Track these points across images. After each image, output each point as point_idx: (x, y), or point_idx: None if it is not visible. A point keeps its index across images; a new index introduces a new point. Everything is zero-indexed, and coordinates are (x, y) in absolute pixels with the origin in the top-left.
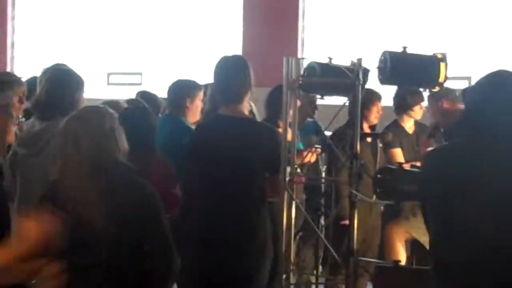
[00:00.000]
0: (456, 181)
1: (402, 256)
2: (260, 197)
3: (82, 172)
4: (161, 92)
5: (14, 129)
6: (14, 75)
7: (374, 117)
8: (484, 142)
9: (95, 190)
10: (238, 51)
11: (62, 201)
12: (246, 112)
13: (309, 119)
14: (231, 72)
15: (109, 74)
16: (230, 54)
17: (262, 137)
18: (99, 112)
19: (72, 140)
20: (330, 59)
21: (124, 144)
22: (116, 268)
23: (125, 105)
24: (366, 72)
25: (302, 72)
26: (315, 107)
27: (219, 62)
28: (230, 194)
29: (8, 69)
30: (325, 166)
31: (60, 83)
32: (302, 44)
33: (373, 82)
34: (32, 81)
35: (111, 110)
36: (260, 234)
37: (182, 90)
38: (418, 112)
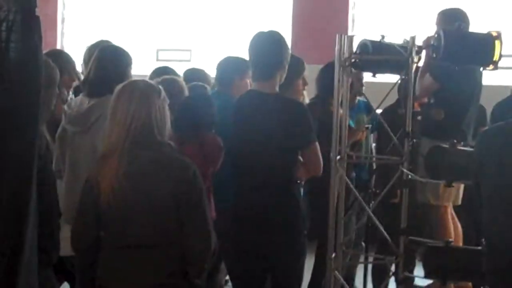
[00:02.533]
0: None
1: (453, 235)
2: (288, 172)
3: (125, 145)
4: (210, 70)
5: (63, 105)
6: (64, 53)
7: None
8: None
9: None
10: (288, 29)
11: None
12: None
13: (359, 98)
14: (263, 48)
15: (158, 51)
16: (276, 30)
17: (289, 113)
18: (154, 88)
19: (120, 113)
20: (383, 36)
21: (168, 123)
22: (160, 247)
23: (182, 82)
24: (419, 49)
25: (354, 50)
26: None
27: (253, 37)
28: (258, 171)
29: (58, 44)
30: (374, 144)
31: (109, 60)
32: (353, 21)
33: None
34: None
35: (161, 90)
36: (288, 209)
37: (231, 67)
38: None
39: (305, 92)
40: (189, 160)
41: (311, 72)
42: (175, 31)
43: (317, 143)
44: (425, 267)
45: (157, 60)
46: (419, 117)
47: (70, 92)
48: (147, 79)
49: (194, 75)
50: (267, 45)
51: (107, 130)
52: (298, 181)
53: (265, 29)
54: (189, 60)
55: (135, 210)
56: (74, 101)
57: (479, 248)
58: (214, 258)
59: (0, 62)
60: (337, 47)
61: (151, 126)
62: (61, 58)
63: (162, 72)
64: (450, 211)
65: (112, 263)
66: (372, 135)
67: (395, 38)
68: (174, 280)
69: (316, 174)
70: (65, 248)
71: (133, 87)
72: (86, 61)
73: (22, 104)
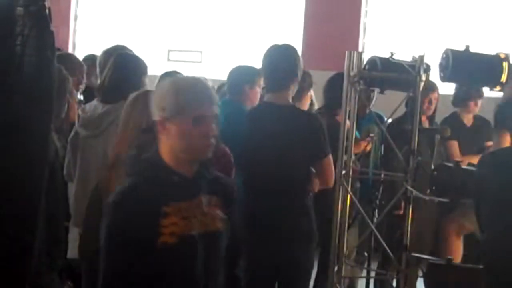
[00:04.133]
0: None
1: (457, 253)
2: (302, 185)
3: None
4: (221, 72)
5: (76, 107)
6: (72, 55)
7: (426, 107)
8: None
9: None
10: (300, 32)
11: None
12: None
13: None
14: (278, 61)
15: (169, 51)
16: (289, 36)
17: (304, 125)
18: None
19: (133, 122)
20: (392, 54)
21: None
22: None
23: None
24: (427, 68)
25: (363, 66)
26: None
27: (269, 50)
28: (271, 183)
29: (70, 42)
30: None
31: (125, 67)
32: (364, 29)
33: (433, 79)
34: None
35: None
36: (303, 222)
37: (242, 76)
38: (473, 107)
39: (313, 98)
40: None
41: (320, 78)
42: (187, 32)
43: (330, 156)
44: (426, 284)
45: (168, 60)
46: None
47: (79, 93)
48: (156, 81)
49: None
50: (282, 57)
51: (118, 137)
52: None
53: (276, 32)
54: (200, 62)
55: None
56: (89, 105)
57: (480, 266)
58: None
59: (14, 75)
60: (346, 63)
61: None
62: (69, 61)
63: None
64: None
65: None
66: (382, 146)
67: (404, 55)
68: None
69: (328, 186)
70: (73, 251)
71: (146, 97)
72: (101, 66)
73: (35, 116)
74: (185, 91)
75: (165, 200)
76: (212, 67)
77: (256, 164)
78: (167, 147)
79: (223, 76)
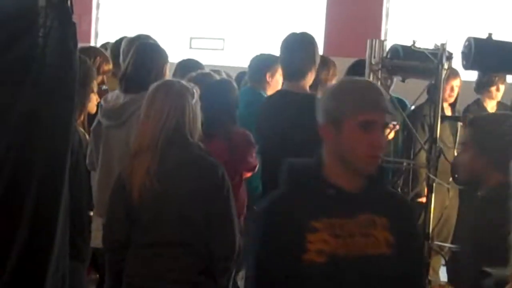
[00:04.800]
0: None
1: None
2: None
3: (156, 145)
4: (243, 59)
5: (95, 98)
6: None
7: (448, 95)
8: None
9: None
10: (322, 18)
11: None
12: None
13: (394, 95)
14: (296, 49)
15: (191, 39)
16: (312, 24)
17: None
18: (188, 89)
19: (154, 111)
20: (414, 42)
21: (199, 124)
22: (188, 246)
23: (217, 77)
24: (449, 56)
25: (384, 54)
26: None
27: (286, 38)
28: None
29: (93, 30)
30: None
31: (147, 57)
32: (387, 15)
33: (456, 66)
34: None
35: (194, 89)
36: None
37: (263, 64)
38: (495, 93)
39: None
40: (217, 161)
41: (342, 64)
42: (209, 19)
43: None
44: (448, 272)
45: (190, 48)
46: None
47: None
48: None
49: (187, 64)
50: (299, 46)
51: (140, 127)
52: None
53: (298, 22)
54: (222, 49)
55: (163, 208)
56: (111, 95)
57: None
58: (239, 259)
59: (37, 67)
60: (367, 52)
61: (183, 126)
62: (93, 54)
63: (185, 65)
64: None
65: (140, 260)
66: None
67: (426, 43)
68: (199, 278)
69: None
70: (96, 240)
71: (168, 87)
72: (124, 55)
73: (57, 107)
74: (354, 92)
75: (315, 214)
76: (234, 55)
77: (272, 151)
78: (328, 156)
79: (245, 64)
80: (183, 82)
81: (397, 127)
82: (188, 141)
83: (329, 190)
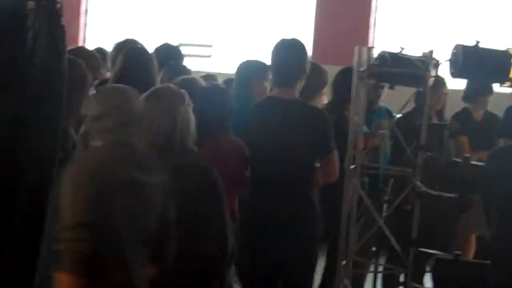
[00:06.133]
0: None
1: (469, 249)
2: (307, 180)
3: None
4: (230, 66)
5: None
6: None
7: (436, 103)
8: None
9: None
10: (311, 26)
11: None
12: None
13: (381, 104)
14: (286, 56)
15: (179, 45)
16: (300, 31)
17: (311, 120)
18: (178, 94)
19: (146, 122)
20: (402, 49)
21: (193, 127)
22: (179, 252)
23: (203, 83)
24: (437, 64)
25: (372, 61)
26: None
27: (277, 44)
28: (276, 177)
29: (81, 35)
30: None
31: (136, 62)
32: (374, 24)
33: (444, 74)
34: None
35: (185, 95)
36: (307, 216)
37: (250, 71)
38: (483, 103)
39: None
40: (211, 166)
41: (330, 73)
42: (197, 26)
43: (336, 152)
44: (433, 279)
45: None
46: None
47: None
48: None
49: (167, 51)
50: (290, 52)
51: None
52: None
53: (287, 26)
54: (209, 56)
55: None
56: None
57: (488, 262)
58: (232, 261)
59: (25, 68)
60: (355, 59)
61: (175, 134)
62: (84, 55)
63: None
64: None
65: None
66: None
67: (414, 50)
68: (192, 280)
69: (331, 181)
70: None
71: (158, 96)
72: (112, 60)
73: (45, 111)
74: None
75: None
76: (222, 62)
77: (261, 157)
78: None
79: (233, 71)
80: (173, 87)
81: (385, 133)
82: (180, 147)
83: None
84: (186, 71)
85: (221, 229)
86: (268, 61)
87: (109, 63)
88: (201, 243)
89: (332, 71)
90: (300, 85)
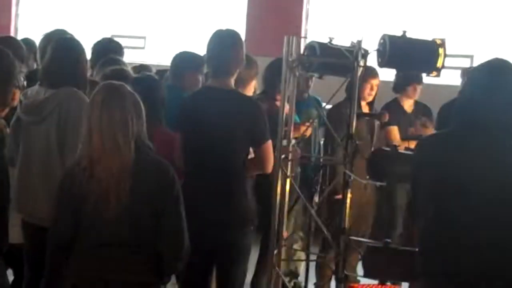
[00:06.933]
0: (448, 171)
1: None
2: (241, 169)
3: (111, 148)
4: (164, 58)
5: (18, 93)
6: (14, 39)
7: (367, 94)
8: (479, 135)
9: (121, 166)
10: (243, 17)
11: (88, 175)
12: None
13: (309, 94)
14: (222, 46)
15: (112, 37)
16: (233, 22)
17: (244, 110)
18: (123, 93)
19: (107, 113)
20: (331, 39)
21: (143, 120)
22: (136, 247)
23: (132, 74)
24: (365, 53)
25: (302, 51)
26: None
27: (213, 35)
28: (210, 165)
29: (12, 26)
30: (323, 140)
31: (64, 52)
32: (307, 16)
33: (372, 64)
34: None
35: (131, 90)
36: (240, 206)
37: (184, 62)
38: (412, 92)
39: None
40: (167, 162)
41: (263, 63)
42: (130, 17)
43: (270, 142)
44: (364, 267)
45: None
46: None
47: (22, 78)
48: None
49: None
50: (225, 43)
51: (84, 136)
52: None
53: (219, 19)
54: (143, 47)
55: (112, 210)
56: (30, 90)
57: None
58: (187, 256)
59: None
60: (284, 49)
61: (126, 131)
62: (12, 46)
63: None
64: None
65: (86, 262)
66: (320, 129)
67: (344, 40)
68: (149, 279)
69: (266, 172)
70: (13, 236)
71: (103, 95)
72: (41, 51)
73: None
74: None
75: None
76: (156, 53)
77: (196, 146)
78: None
79: (167, 62)
80: (118, 83)
81: (315, 123)
82: (134, 143)
83: None
84: (123, 64)
85: (178, 226)
86: (202, 52)
87: (38, 54)
88: (157, 239)
89: (264, 62)
90: (235, 76)
